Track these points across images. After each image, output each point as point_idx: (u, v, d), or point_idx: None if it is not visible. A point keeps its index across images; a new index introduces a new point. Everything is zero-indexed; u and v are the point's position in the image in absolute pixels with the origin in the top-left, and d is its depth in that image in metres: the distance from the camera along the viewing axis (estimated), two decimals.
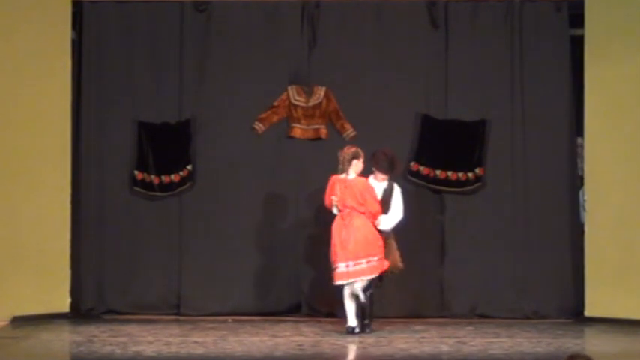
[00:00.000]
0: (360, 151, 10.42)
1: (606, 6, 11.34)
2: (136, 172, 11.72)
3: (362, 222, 10.27)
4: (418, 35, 11.79)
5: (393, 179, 10.64)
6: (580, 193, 11.72)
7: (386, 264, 10.35)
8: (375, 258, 10.25)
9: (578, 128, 11.66)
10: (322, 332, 10.51)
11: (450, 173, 11.68)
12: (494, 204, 11.67)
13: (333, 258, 10.26)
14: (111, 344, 9.64)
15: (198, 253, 11.64)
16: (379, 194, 10.47)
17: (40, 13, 11.29)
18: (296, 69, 11.76)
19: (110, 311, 11.64)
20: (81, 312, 11.50)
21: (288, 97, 11.76)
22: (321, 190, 11.29)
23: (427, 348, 9.70)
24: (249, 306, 11.57)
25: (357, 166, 10.38)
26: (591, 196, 11.42)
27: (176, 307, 11.64)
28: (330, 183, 10.40)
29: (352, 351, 9.69)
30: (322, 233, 11.43)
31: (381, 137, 11.30)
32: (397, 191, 10.58)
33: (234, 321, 11.26)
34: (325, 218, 11.52)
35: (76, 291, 11.51)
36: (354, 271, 10.19)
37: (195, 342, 9.89)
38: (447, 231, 11.70)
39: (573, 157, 11.74)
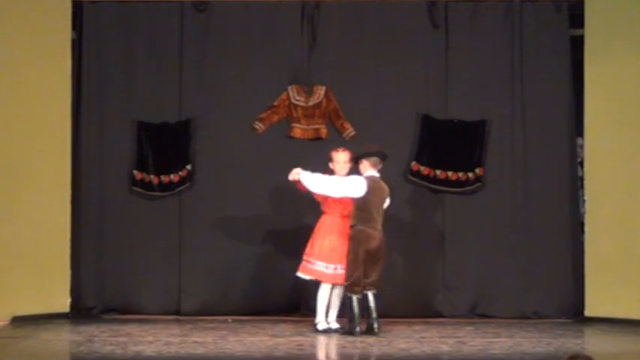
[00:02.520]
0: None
1: (606, 6, 11.34)
2: (135, 172, 11.73)
3: None
4: (418, 35, 11.79)
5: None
6: (580, 193, 11.71)
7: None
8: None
9: (578, 128, 11.66)
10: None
11: (450, 173, 11.68)
12: (494, 204, 11.67)
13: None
14: (111, 344, 9.63)
15: (198, 253, 11.64)
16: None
17: (40, 13, 11.29)
18: (296, 69, 11.76)
19: (110, 311, 11.65)
20: (81, 312, 11.50)
21: (288, 97, 11.77)
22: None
23: (427, 348, 9.69)
24: (249, 306, 11.57)
25: None
26: (591, 196, 11.42)
27: (176, 307, 11.65)
28: None
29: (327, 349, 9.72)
30: None
31: (381, 137, 11.28)
32: (355, 177, 10.39)
33: (234, 321, 11.26)
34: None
35: (76, 291, 11.52)
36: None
37: (195, 342, 9.88)
38: (447, 231, 11.70)
39: (573, 157, 11.74)
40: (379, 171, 10.36)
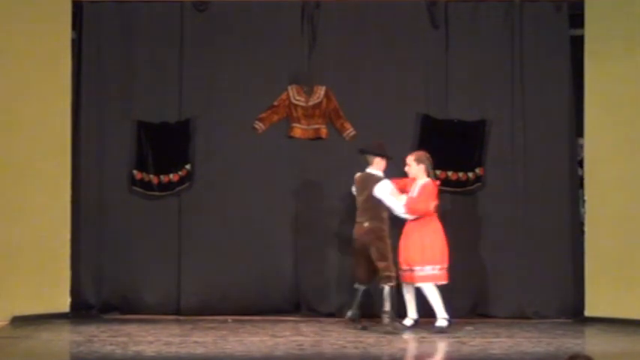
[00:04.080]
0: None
1: (606, 6, 11.34)
2: (135, 172, 11.73)
3: None
4: (418, 35, 11.79)
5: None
6: (580, 193, 11.71)
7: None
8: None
9: (578, 128, 11.66)
10: (322, 332, 10.52)
11: (450, 173, 11.68)
12: (494, 204, 11.67)
13: (443, 259, 10.60)
14: (111, 344, 9.65)
15: (197, 253, 11.64)
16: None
17: (40, 13, 11.30)
18: (296, 69, 11.76)
19: (110, 311, 11.64)
20: (81, 312, 11.50)
21: (288, 97, 11.76)
22: (321, 189, 11.37)
23: (427, 348, 9.70)
24: (249, 306, 11.56)
25: None
26: (591, 196, 11.43)
27: (176, 307, 11.64)
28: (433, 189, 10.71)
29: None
30: (322, 233, 11.48)
31: (381, 137, 11.27)
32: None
33: (234, 321, 11.26)
34: (325, 217, 11.55)
35: (76, 291, 11.52)
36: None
37: (195, 342, 9.89)
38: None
39: (573, 157, 11.74)
40: (386, 164, 10.74)
